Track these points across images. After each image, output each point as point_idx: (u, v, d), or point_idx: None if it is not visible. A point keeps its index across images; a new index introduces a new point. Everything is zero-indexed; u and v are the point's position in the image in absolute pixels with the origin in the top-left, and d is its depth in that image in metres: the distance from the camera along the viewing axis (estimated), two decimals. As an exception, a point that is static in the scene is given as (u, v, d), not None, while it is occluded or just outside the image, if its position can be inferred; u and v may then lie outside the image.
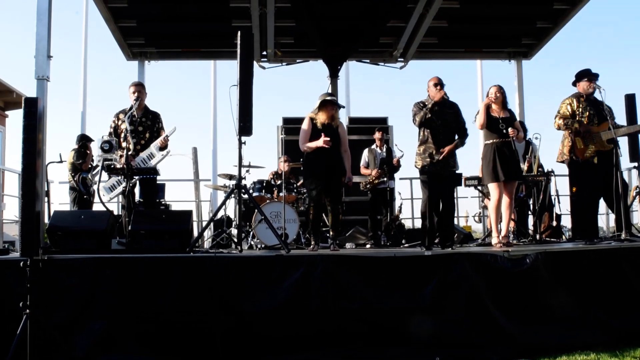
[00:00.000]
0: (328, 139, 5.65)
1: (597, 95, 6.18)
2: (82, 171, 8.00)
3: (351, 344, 4.39)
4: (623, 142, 6.83)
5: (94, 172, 7.84)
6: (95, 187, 7.43)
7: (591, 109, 6.12)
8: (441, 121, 5.82)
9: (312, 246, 5.77)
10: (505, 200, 5.84)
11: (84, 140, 8.40)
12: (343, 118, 10.44)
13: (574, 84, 6.33)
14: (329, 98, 5.92)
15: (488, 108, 5.89)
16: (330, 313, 4.44)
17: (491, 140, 5.84)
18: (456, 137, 5.97)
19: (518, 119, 6.50)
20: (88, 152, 8.18)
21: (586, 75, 6.21)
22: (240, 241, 5.62)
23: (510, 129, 5.76)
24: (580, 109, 6.13)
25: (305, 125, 5.92)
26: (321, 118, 5.86)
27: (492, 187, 5.84)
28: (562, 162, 6.35)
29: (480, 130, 6.04)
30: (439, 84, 5.86)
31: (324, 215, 6.22)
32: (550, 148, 19.05)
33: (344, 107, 6.86)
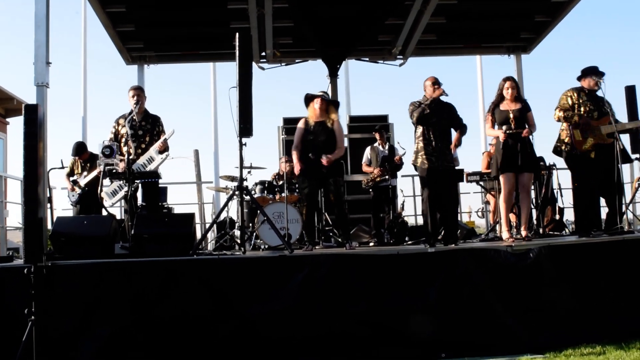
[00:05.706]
0: (299, 167, 5.74)
1: (599, 92, 6.16)
2: None
3: (356, 344, 4.39)
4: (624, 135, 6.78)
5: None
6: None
7: (591, 103, 6.10)
8: (437, 119, 5.78)
9: (305, 247, 5.76)
10: (521, 193, 5.81)
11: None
12: (344, 116, 10.54)
13: (579, 78, 6.29)
14: (310, 93, 5.92)
15: (498, 103, 5.89)
16: (334, 313, 4.44)
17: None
18: (453, 132, 5.93)
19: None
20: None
21: (593, 72, 6.19)
22: (243, 243, 5.62)
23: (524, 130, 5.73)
24: (580, 102, 6.11)
25: (299, 124, 5.94)
26: (311, 116, 5.86)
27: (501, 180, 5.84)
28: (557, 153, 6.30)
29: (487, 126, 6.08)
30: (437, 82, 5.84)
31: (326, 214, 6.20)
32: (548, 142, 19.04)
33: (338, 102, 6.83)
